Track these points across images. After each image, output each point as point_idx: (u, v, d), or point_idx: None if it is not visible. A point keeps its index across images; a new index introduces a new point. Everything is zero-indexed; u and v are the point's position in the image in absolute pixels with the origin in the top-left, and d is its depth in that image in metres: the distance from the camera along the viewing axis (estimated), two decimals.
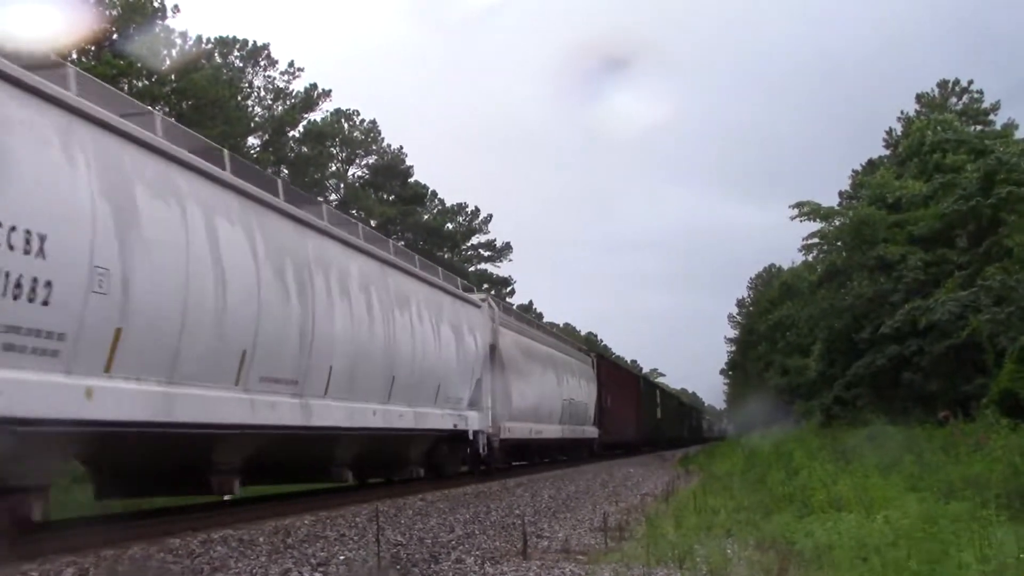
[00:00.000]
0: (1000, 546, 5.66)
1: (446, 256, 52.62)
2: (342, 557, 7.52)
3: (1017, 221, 19.88)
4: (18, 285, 6.26)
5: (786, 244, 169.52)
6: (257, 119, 41.90)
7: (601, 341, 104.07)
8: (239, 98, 39.28)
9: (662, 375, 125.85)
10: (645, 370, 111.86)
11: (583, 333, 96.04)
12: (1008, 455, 9.26)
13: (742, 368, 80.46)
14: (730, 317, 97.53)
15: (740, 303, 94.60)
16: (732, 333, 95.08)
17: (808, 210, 36.78)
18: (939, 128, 36.03)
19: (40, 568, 5.73)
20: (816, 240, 38.35)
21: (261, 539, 7.82)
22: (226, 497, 14.40)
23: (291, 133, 44.61)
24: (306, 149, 45.14)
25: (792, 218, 36.93)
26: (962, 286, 22.21)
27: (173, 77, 30.78)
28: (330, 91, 45.88)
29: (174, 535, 7.59)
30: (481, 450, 17.64)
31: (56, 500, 12.41)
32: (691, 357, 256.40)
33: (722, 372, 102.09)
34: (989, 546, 5.64)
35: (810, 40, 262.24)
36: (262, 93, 43.72)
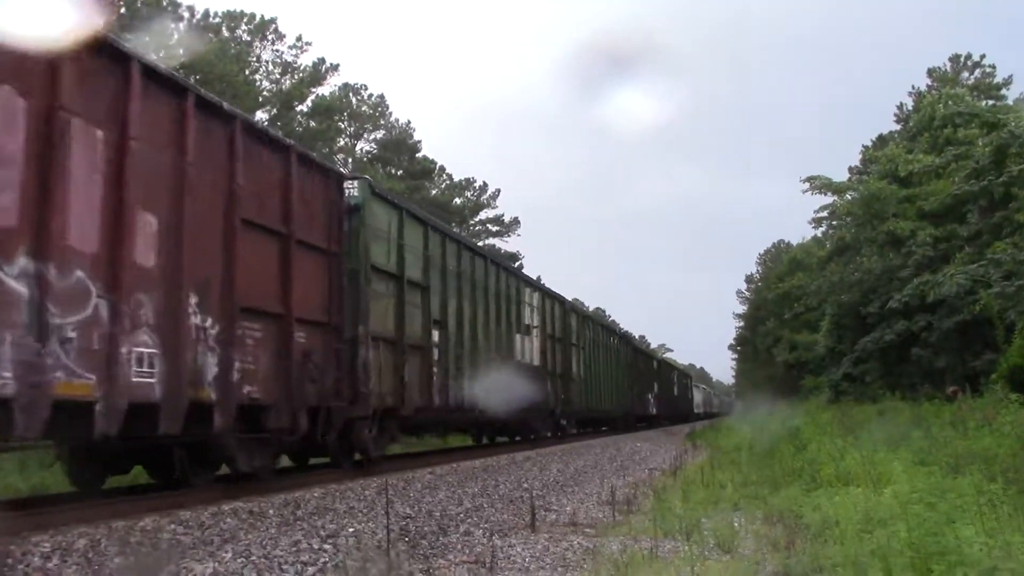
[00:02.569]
0: (1007, 519, 5.68)
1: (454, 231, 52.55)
2: (351, 530, 7.57)
3: None
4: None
5: (795, 220, 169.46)
6: (265, 93, 41.80)
7: (609, 316, 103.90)
8: (247, 72, 39.16)
9: (670, 350, 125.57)
10: (652, 345, 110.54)
11: (592, 308, 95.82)
12: (1017, 430, 9.27)
13: (751, 344, 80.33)
14: (739, 293, 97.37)
15: (749, 279, 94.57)
16: (741, 309, 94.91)
17: (819, 184, 36.66)
18: (950, 103, 35.75)
19: (52, 539, 5.78)
20: (826, 214, 38.27)
21: (271, 511, 7.87)
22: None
23: (299, 107, 44.51)
24: (314, 124, 45.04)
25: (804, 191, 36.86)
26: (972, 260, 22.15)
27: (181, 51, 30.68)
28: (338, 65, 45.86)
29: (185, 507, 7.65)
30: None
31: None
32: (700, 333, 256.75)
33: (730, 348, 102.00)
34: (996, 519, 5.65)
35: (821, 14, 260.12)
36: (270, 67, 43.63)
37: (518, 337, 19.22)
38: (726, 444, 22.14)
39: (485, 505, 10.71)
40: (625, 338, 39.69)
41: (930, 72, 54.59)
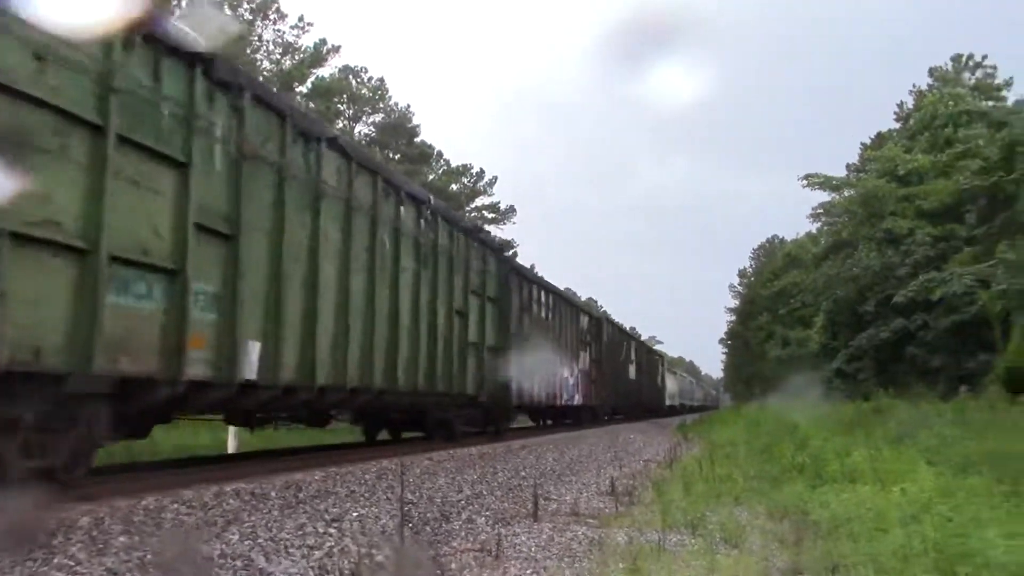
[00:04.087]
0: None
1: None
2: (355, 514, 7.46)
3: None
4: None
5: (789, 216, 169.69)
6: (265, 73, 41.47)
7: (601, 306, 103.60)
8: (248, 52, 38.89)
9: (660, 342, 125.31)
10: (643, 337, 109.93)
11: (584, 298, 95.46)
12: None
13: (742, 338, 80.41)
14: (731, 287, 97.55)
15: (742, 273, 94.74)
16: (733, 303, 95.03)
17: (817, 180, 36.71)
18: (952, 103, 35.74)
19: (56, 517, 5.66)
20: (823, 210, 38.30)
21: (273, 493, 7.76)
22: (231, 450, 14.41)
23: (299, 88, 44.22)
24: (313, 105, 44.75)
25: (803, 187, 36.94)
26: (976, 260, 22.22)
27: None
28: (339, 47, 45.56)
29: (186, 487, 7.54)
30: None
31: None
32: (691, 326, 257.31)
33: (721, 341, 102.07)
34: (1019, 523, 5.58)
35: (822, 11, 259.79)
36: (271, 47, 43.35)
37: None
38: (719, 438, 22.12)
39: (485, 492, 10.62)
40: (484, 242, 17.80)
41: (931, 71, 54.53)
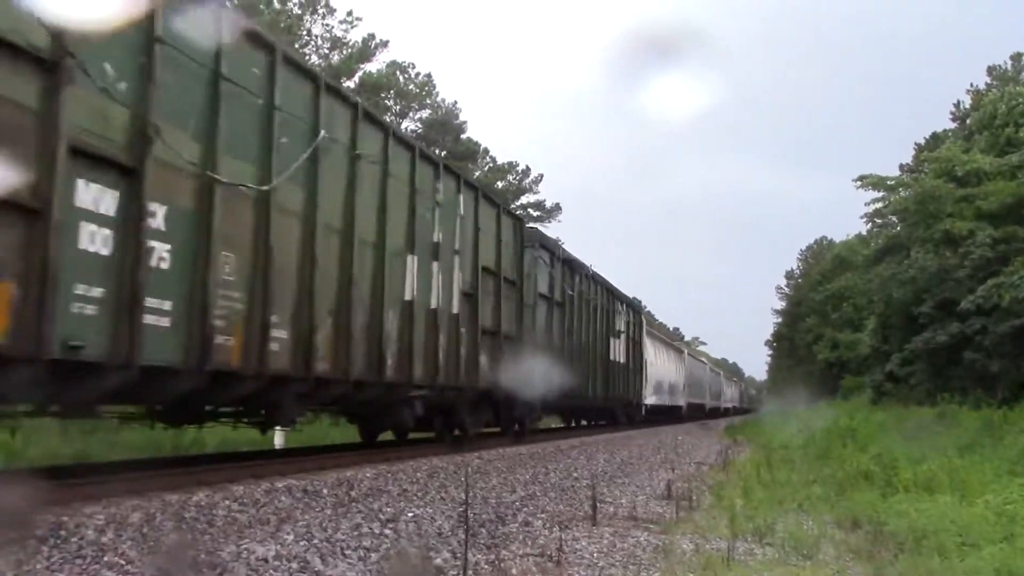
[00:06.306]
0: None
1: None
2: (410, 514, 7.20)
3: None
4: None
5: (838, 217, 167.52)
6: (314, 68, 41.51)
7: (645, 306, 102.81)
8: (296, 46, 38.89)
9: (703, 343, 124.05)
10: (686, 338, 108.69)
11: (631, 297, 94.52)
12: None
13: (788, 340, 79.15)
14: (778, 289, 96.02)
15: (789, 275, 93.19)
16: (779, 305, 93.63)
17: (871, 181, 35.85)
18: (1015, 102, 34.69)
19: (105, 511, 5.45)
20: (879, 206, 37.24)
21: (325, 491, 7.52)
22: (277, 445, 14.24)
23: (347, 83, 44.18)
24: (361, 100, 44.67)
25: (856, 188, 36.07)
26: None
27: None
28: (387, 42, 45.39)
29: (236, 482, 7.32)
30: None
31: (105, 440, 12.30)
32: (735, 329, 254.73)
33: (767, 344, 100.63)
34: None
35: (876, 10, 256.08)
36: (319, 42, 43.33)
37: None
38: (772, 441, 21.64)
39: (538, 493, 10.34)
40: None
41: (990, 70, 53.31)
